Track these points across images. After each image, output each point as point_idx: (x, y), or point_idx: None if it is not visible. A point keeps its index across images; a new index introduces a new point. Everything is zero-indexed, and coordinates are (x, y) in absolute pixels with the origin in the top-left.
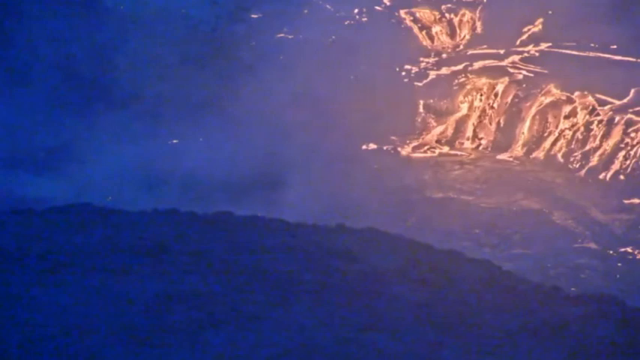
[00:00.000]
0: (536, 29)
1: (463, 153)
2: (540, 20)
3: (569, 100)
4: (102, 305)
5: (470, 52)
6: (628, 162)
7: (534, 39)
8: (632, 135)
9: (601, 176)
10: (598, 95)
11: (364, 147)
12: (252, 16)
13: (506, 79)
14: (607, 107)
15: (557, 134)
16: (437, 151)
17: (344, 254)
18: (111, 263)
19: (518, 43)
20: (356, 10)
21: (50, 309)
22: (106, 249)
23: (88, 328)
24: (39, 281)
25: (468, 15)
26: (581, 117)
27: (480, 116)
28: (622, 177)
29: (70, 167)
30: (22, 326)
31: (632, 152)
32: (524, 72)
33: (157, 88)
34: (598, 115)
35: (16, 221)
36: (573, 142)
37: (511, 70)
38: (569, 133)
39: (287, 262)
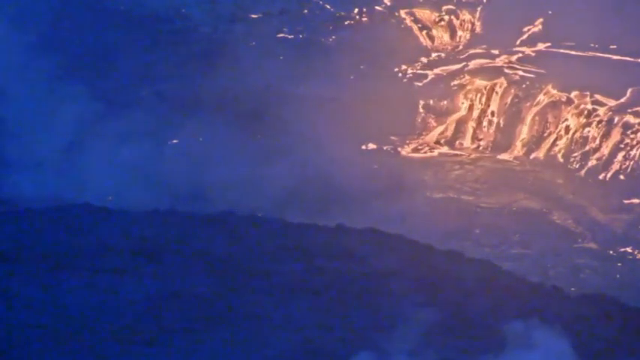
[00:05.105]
0: (536, 29)
1: (463, 153)
2: (540, 20)
3: (569, 101)
4: (102, 305)
5: (470, 52)
6: (628, 162)
7: (534, 39)
8: (632, 135)
9: (601, 176)
10: (597, 95)
11: (364, 147)
12: (252, 16)
13: (506, 80)
14: (606, 107)
15: (557, 134)
16: (437, 151)
17: (344, 254)
18: (111, 263)
19: (517, 43)
20: (356, 10)
21: (50, 309)
22: (106, 249)
23: (88, 328)
24: (39, 281)
25: (467, 15)
26: (581, 117)
27: (479, 117)
28: (622, 177)
29: (70, 167)
30: (22, 326)
31: (631, 153)
32: (524, 72)
33: (158, 87)
34: (597, 115)
35: (16, 221)
36: (573, 143)
37: (510, 71)
38: (568, 134)
39: (287, 262)
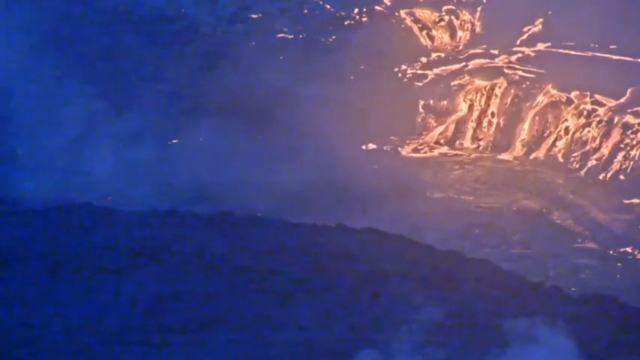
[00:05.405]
0: (536, 29)
1: (463, 153)
2: (540, 20)
3: (569, 101)
4: (102, 305)
5: (470, 52)
6: (628, 162)
7: (534, 39)
8: (632, 135)
9: (601, 176)
10: (597, 95)
11: (364, 147)
12: (252, 16)
13: (506, 80)
14: (606, 107)
15: (556, 134)
16: (437, 151)
17: (344, 254)
18: (111, 263)
19: (518, 43)
20: (356, 10)
21: (50, 309)
22: (106, 249)
23: (88, 328)
24: (39, 281)
25: (467, 15)
26: (581, 117)
27: (479, 117)
28: (622, 177)
29: (73, 167)
30: (22, 326)
31: (631, 153)
32: (524, 72)
33: (158, 88)
34: (597, 115)
35: (16, 221)
36: (573, 143)
37: (510, 71)
38: (568, 134)
39: (287, 262)
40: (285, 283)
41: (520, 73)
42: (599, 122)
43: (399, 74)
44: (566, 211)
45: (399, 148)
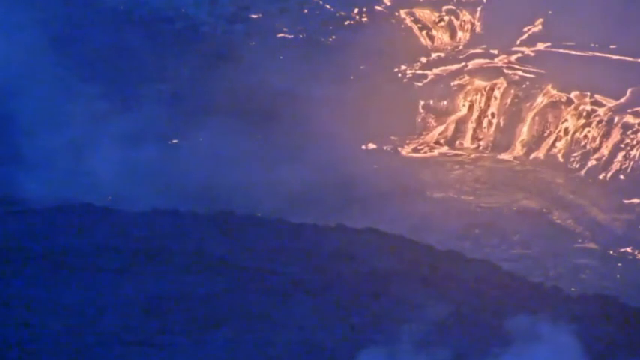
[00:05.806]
0: (536, 29)
1: (463, 153)
2: (540, 20)
3: (569, 101)
4: (102, 305)
5: (469, 52)
6: (628, 162)
7: (534, 39)
8: (632, 135)
9: (601, 176)
10: (597, 96)
11: (364, 147)
12: (252, 16)
13: (506, 80)
14: (606, 107)
15: (556, 135)
16: (437, 151)
17: (344, 254)
18: (111, 263)
19: (518, 43)
20: (356, 10)
21: (50, 309)
22: (106, 249)
23: (88, 328)
24: (39, 281)
25: (467, 16)
26: (581, 117)
27: (479, 117)
28: (622, 177)
29: (73, 168)
30: (22, 326)
31: (631, 153)
32: (524, 72)
33: (158, 88)
34: (597, 115)
35: (16, 221)
36: (573, 143)
37: (510, 71)
38: (568, 134)
39: (287, 262)
40: (285, 283)
41: (520, 73)
42: (599, 122)
43: (399, 74)
44: (566, 211)
45: (399, 148)
